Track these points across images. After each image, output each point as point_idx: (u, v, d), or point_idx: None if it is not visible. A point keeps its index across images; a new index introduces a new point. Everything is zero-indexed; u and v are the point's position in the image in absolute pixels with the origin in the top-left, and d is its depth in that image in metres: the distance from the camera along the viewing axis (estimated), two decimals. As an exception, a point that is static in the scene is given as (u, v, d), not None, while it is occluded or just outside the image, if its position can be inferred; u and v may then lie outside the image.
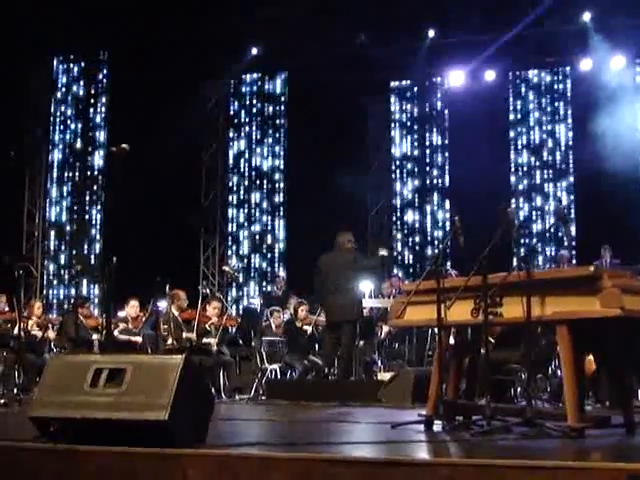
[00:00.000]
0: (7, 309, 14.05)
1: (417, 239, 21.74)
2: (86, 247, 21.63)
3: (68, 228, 21.79)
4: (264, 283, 21.70)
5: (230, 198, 22.34)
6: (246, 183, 22.29)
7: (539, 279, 7.11)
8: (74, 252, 21.69)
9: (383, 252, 14.60)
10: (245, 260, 22.14)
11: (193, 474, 5.36)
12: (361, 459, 5.51)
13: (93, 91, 21.96)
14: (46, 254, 21.76)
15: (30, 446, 5.97)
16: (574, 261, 18.45)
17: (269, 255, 22.00)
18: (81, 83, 21.98)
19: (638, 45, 18.83)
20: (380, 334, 15.71)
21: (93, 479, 5.51)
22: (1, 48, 18.00)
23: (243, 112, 22.50)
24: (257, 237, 22.07)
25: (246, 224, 22.17)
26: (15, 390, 12.02)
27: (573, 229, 20.07)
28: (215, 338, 14.66)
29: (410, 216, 21.85)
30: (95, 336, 14.59)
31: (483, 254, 7.16)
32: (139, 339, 14.66)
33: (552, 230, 19.87)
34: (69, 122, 22.03)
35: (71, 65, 22.07)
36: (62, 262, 21.79)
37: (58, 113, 22.05)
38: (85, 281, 21.31)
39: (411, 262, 21.71)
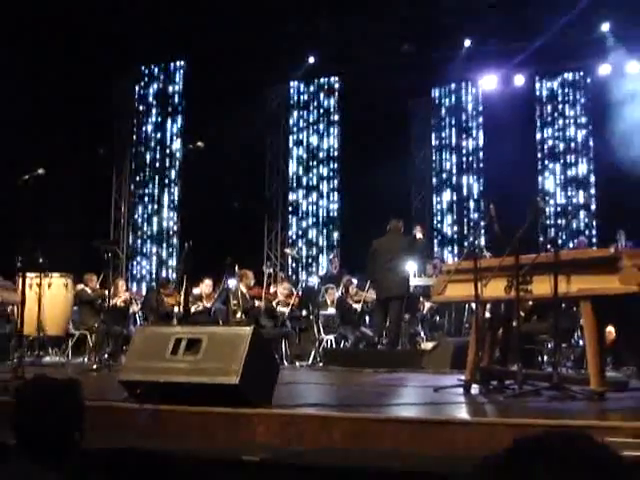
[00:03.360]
0: (98, 287, 14.20)
1: (455, 225, 21.66)
2: (164, 233, 21.77)
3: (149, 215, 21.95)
4: (321, 263, 21.70)
5: (290, 189, 22.38)
6: (304, 176, 22.31)
7: (565, 260, 7.07)
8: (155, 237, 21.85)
9: (419, 235, 14.62)
10: (304, 243, 22.16)
11: (262, 431, 5.40)
12: (409, 418, 5.53)
13: (171, 94, 22.06)
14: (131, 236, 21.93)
15: (121, 406, 6.05)
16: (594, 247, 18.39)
17: (325, 239, 21.99)
18: (160, 87, 22.10)
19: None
20: (423, 309, 15.71)
21: (175, 435, 5.57)
22: (91, 58, 18.15)
23: (302, 111, 22.52)
24: (315, 223, 22.08)
25: (305, 211, 22.19)
26: (105, 357, 12.15)
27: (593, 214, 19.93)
28: (286, 308, 14.85)
29: (449, 205, 21.77)
30: (174, 310, 14.72)
31: (516, 238, 7.14)
32: (209, 305, 14.80)
33: (574, 216, 19.67)
34: (150, 122, 22.15)
35: (152, 72, 22.19)
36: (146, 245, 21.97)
37: (141, 114, 22.18)
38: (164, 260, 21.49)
39: (449, 244, 21.65)
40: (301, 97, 22.56)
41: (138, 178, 22.04)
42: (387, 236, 13.89)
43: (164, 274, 20.20)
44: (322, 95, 22.31)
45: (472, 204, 21.51)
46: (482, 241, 15.82)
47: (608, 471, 1.34)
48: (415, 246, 14.18)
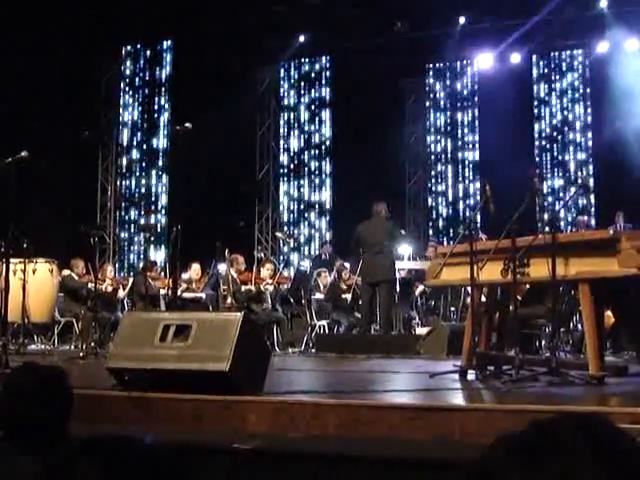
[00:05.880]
0: (84, 272, 14.17)
1: (450, 206, 21.67)
2: (153, 216, 21.72)
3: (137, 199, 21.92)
4: (313, 247, 21.69)
5: (281, 170, 22.35)
6: (295, 158, 22.27)
7: (563, 242, 7.07)
8: (142, 221, 21.80)
9: (402, 232, 14.78)
10: (295, 226, 22.14)
11: (253, 418, 5.40)
12: (403, 405, 5.53)
13: (157, 76, 21.98)
14: (118, 223, 21.91)
15: (108, 394, 6.04)
16: (593, 224, 18.43)
17: (317, 223, 21.97)
18: (146, 70, 22.02)
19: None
20: (415, 293, 15.76)
21: (164, 422, 5.57)
22: (77, 40, 18.11)
23: (293, 93, 22.45)
24: (306, 206, 22.05)
25: (296, 195, 22.16)
26: (92, 344, 12.11)
27: (592, 196, 19.89)
28: (269, 301, 14.77)
29: (443, 185, 21.78)
30: (162, 292, 14.71)
31: (512, 219, 7.14)
32: (202, 295, 14.78)
33: (573, 197, 19.62)
34: (136, 104, 22.10)
35: (137, 53, 22.12)
36: (132, 230, 21.93)
37: (127, 96, 22.12)
38: (152, 247, 21.44)
39: (444, 228, 21.65)
40: (292, 78, 22.49)
41: (125, 161, 22.00)
42: (371, 220, 13.95)
43: (152, 258, 20.16)
44: (313, 74, 22.26)
45: (467, 184, 21.53)
46: (478, 223, 15.82)
47: (625, 458, 1.33)
48: (396, 234, 14.30)
